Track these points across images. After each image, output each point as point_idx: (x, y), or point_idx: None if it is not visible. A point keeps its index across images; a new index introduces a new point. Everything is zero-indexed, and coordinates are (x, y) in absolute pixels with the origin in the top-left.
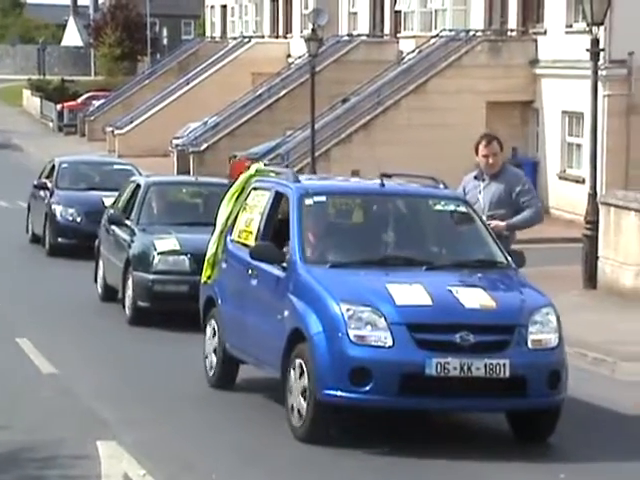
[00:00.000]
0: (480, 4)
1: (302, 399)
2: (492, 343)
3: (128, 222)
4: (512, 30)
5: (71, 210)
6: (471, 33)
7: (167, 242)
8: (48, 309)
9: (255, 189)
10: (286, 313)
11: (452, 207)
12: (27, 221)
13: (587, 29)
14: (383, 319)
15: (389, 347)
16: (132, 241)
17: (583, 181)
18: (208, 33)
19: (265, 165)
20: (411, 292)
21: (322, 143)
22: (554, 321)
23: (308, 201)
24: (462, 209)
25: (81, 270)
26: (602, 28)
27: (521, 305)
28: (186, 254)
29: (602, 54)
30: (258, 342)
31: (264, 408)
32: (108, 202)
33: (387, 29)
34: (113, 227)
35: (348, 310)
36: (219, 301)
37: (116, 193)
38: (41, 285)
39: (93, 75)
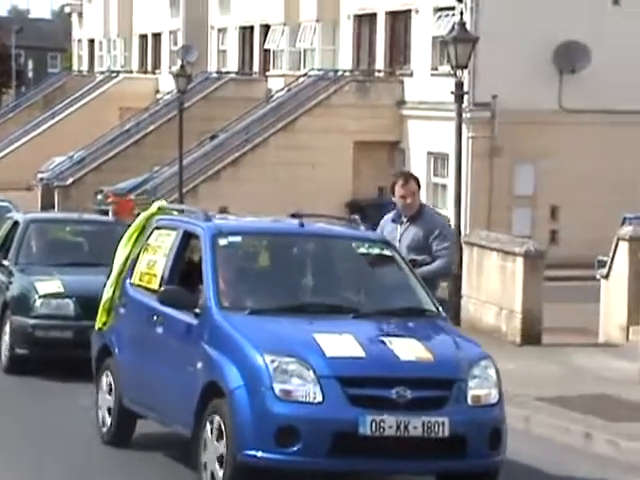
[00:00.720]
0: (348, 45)
1: (218, 462)
2: (430, 399)
3: (5, 262)
4: (379, 71)
5: None
6: (339, 73)
7: (49, 284)
8: None
9: (158, 228)
10: (199, 365)
11: (377, 250)
12: None
13: (452, 72)
14: (312, 372)
15: (318, 403)
16: (10, 282)
17: (448, 221)
18: (75, 67)
19: (169, 202)
20: (341, 343)
21: (190, 179)
22: (493, 375)
23: (222, 241)
24: (387, 252)
25: None
26: (466, 71)
27: (458, 357)
28: (70, 297)
29: (466, 97)
30: (164, 396)
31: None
32: None
33: (256, 67)
34: None
35: (273, 362)
36: (116, 350)
37: None
38: None
39: None
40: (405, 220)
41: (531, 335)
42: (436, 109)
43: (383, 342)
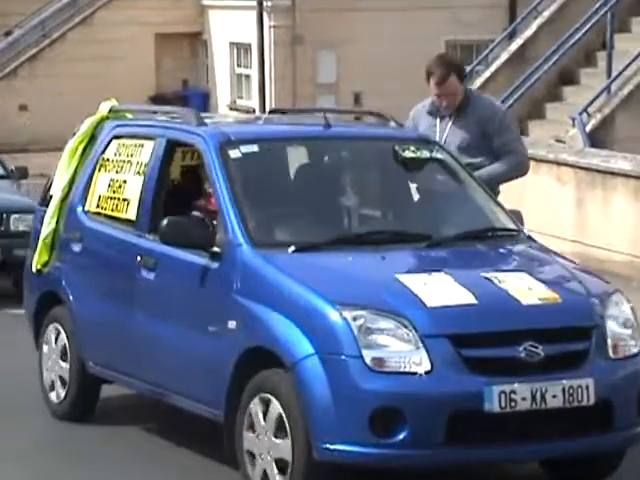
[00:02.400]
0: None
1: (275, 463)
2: (568, 355)
3: None
4: None
5: None
6: None
7: None
8: None
9: (118, 137)
10: (231, 324)
11: (426, 153)
12: None
13: None
14: (412, 330)
15: (426, 373)
16: None
17: (253, 111)
18: None
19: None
20: (438, 286)
21: None
22: (630, 315)
23: (234, 153)
24: (439, 156)
25: None
26: None
27: (588, 294)
28: None
29: None
30: (167, 364)
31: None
32: None
33: None
34: None
35: (356, 319)
36: (70, 298)
37: None
38: None
39: None
40: (448, 113)
41: None
42: None
43: (490, 280)
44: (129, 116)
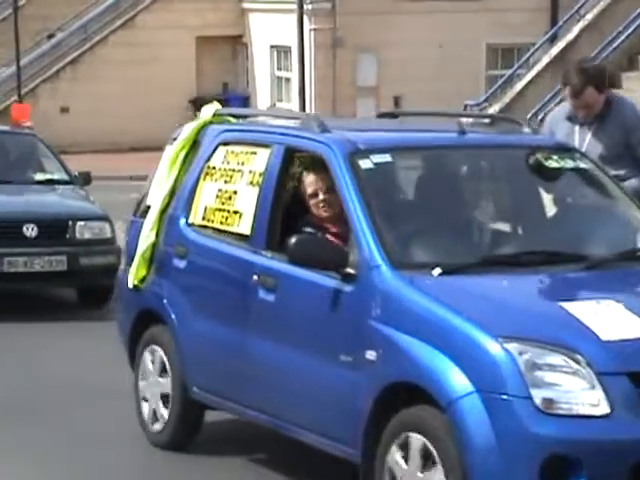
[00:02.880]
0: None
1: None
2: None
3: None
4: None
5: None
6: None
7: None
8: None
9: (226, 144)
10: (370, 355)
11: (570, 163)
12: None
13: None
14: (586, 366)
15: (604, 416)
16: None
17: None
18: None
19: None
20: (609, 315)
21: (29, 80)
22: None
23: (364, 163)
24: (583, 165)
25: None
26: None
27: None
28: None
29: None
30: (282, 393)
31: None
32: None
33: None
34: None
35: (522, 353)
36: (172, 317)
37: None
38: None
39: None
40: (588, 121)
41: None
42: (277, 1)
43: None
44: (232, 120)
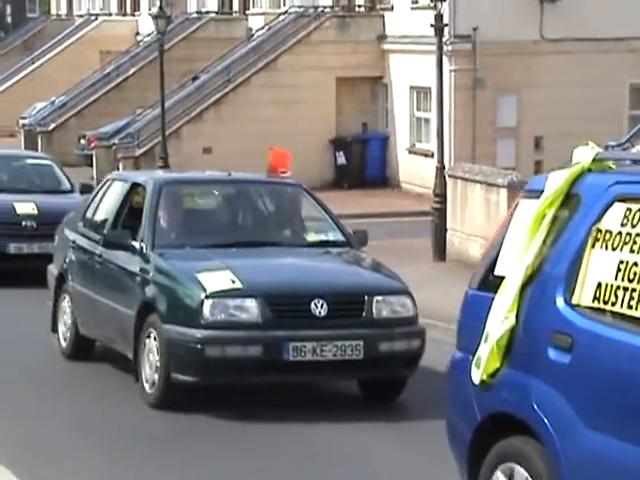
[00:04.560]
0: None
1: None
2: None
3: (135, 243)
4: (360, 6)
5: None
6: (319, 9)
7: (217, 276)
8: None
9: (624, 200)
10: None
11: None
12: None
13: (431, 4)
14: None
15: None
16: (148, 273)
17: (432, 155)
18: (53, 11)
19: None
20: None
21: (173, 121)
22: None
23: None
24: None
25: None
26: (446, 3)
27: None
28: (254, 295)
29: (447, 29)
30: None
31: None
32: (22, 210)
33: (236, 6)
34: (101, 250)
35: None
36: (548, 428)
37: (30, 197)
38: None
39: None
40: None
41: None
42: (417, 43)
43: None
44: (613, 167)
